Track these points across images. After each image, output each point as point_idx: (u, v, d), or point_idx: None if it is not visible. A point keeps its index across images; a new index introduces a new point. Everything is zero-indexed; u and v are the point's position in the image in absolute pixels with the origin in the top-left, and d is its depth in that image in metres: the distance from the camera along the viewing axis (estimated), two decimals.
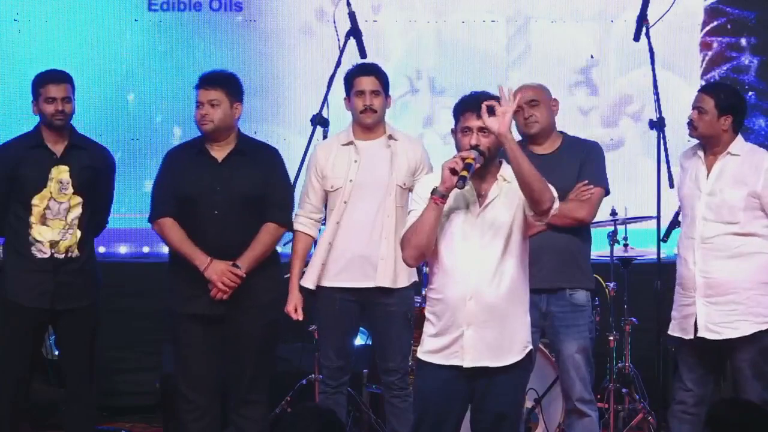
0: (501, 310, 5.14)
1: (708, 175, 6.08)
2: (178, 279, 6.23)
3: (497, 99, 5.13)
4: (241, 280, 6.11)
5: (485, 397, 5.20)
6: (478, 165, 5.06)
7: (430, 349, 5.23)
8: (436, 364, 5.21)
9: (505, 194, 5.17)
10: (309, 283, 6.37)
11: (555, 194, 5.15)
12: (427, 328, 5.26)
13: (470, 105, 5.16)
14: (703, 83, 8.47)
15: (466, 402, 5.24)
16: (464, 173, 5.00)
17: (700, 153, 6.14)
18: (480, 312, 5.13)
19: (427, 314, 5.28)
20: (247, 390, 6.21)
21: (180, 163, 6.25)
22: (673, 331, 6.16)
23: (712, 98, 6.07)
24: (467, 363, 5.17)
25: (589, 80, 8.79)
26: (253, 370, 6.21)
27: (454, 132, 5.24)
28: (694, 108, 6.10)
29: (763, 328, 6.04)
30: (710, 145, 6.11)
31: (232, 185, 6.16)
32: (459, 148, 5.16)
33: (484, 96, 5.18)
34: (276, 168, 6.29)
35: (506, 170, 5.21)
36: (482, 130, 5.10)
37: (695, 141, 6.19)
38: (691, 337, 6.04)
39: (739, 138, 6.15)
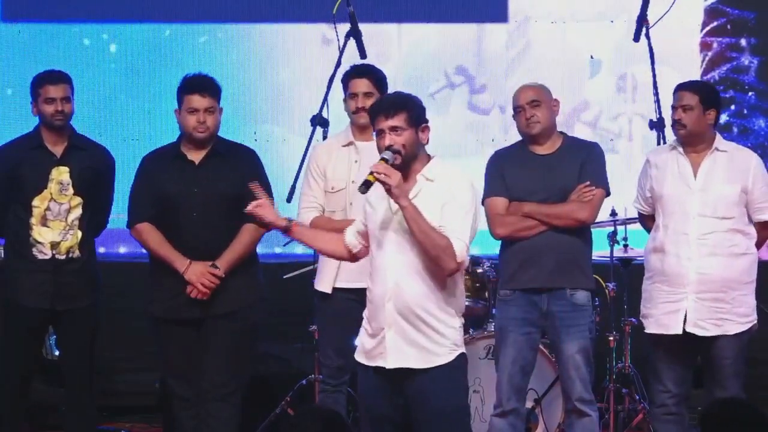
0: (420, 312, 5.14)
1: (696, 172, 6.11)
2: (159, 283, 6.24)
3: (400, 98, 5.22)
4: (220, 280, 6.12)
5: (416, 400, 5.19)
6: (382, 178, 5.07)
7: (360, 349, 5.31)
8: (365, 365, 5.27)
9: (426, 194, 5.15)
10: (326, 287, 6.36)
11: (460, 260, 5.11)
12: (362, 328, 5.33)
13: (378, 108, 5.23)
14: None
15: (402, 403, 5.23)
16: (370, 177, 5.08)
17: (680, 150, 6.17)
18: (398, 313, 5.15)
19: (364, 314, 5.35)
20: (220, 388, 6.20)
21: (157, 168, 6.25)
22: (652, 328, 6.18)
23: (695, 94, 6.12)
24: (389, 364, 5.18)
25: (588, 80, 8.79)
26: (231, 369, 6.21)
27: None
28: (677, 107, 6.13)
29: (746, 327, 6.12)
30: (694, 143, 6.14)
31: (211, 187, 6.16)
32: (379, 150, 5.21)
33: (388, 97, 5.32)
34: (254, 168, 6.28)
35: (432, 168, 5.22)
36: (393, 129, 5.14)
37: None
38: (679, 332, 6.06)
39: (719, 135, 6.22)
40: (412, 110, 5.18)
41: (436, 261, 5.09)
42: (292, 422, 4.40)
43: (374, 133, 5.25)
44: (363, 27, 7.00)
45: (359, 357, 5.32)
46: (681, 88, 6.21)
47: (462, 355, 5.24)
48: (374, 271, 5.26)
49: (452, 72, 8.79)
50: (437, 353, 5.18)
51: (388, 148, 5.14)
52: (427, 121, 5.23)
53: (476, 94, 8.80)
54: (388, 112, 5.16)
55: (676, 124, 6.15)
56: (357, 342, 5.39)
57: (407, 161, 5.17)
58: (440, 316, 5.18)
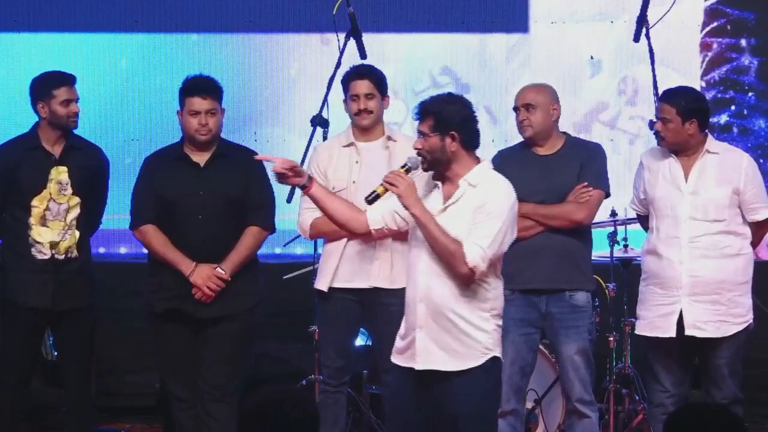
0: (450, 314, 5.13)
1: (687, 175, 6.11)
2: (157, 284, 6.23)
3: (428, 104, 5.19)
4: (226, 283, 6.13)
5: (441, 401, 5.18)
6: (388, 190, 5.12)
7: (395, 348, 5.31)
8: (398, 366, 5.27)
9: (467, 199, 5.14)
10: (323, 285, 6.35)
11: (471, 265, 5.07)
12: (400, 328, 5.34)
13: (416, 109, 5.25)
14: (703, 84, 8.48)
15: (430, 404, 5.22)
16: (379, 189, 5.14)
17: (672, 154, 6.16)
18: (429, 315, 5.15)
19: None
20: (220, 390, 6.19)
21: (160, 169, 6.24)
22: (644, 330, 6.19)
23: (673, 107, 6.06)
24: (418, 365, 5.18)
25: (588, 81, 8.79)
26: (230, 371, 6.21)
27: None
28: (658, 119, 6.12)
29: (742, 327, 6.12)
30: (682, 150, 6.13)
31: (215, 189, 6.15)
32: None
33: (424, 102, 5.23)
34: (257, 170, 6.27)
35: (476, 173, 5.19)
36: (420, 133, 5.17)
37: None
38: (672, 335, 6.06)
39: (710, 137, 6.21)
40: (439, 116, 5.14)
41: (448, 265, 5.09)
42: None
43: None
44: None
45: (393, 357, 5.32)
46: (661, 98, 6.17)
47: (494, 359, 5.20)
48: (408, 272, 5.28)
49: (452, 71, 8.79)
50: (467, 356, 5.15)
51: (419, 152, 5.17)
52: (459, 129, 5.15)
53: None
54: (417, 116, 5.20)
55: (657, 134, 6.16)
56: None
57: (436, 166, 5.17)
58: (471, 318, 5.15)
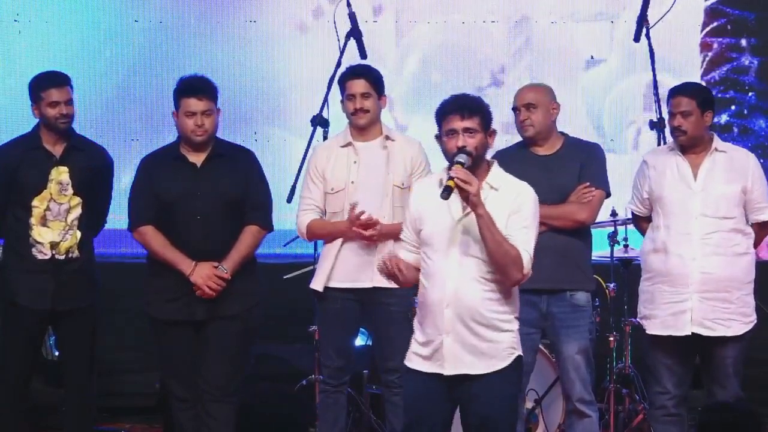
0: (479, 318, 5.09)
1: (695, 173, 6.12)
2: (158, 285, 6.24)
3: (476, 100, 5.15)
4: (226, 282, 6.13)
5: (470, 402, 5.15)
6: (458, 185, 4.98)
7: (415, 355, 5.23)
8: (420, 371, 5.20)
9: (491, 202, 5.08)
10: (318, 285, 6.35)
11: (526, 272, 5.05)
12: (415, 334, 5.26)
13: (452, 107, 5.12)
14: (703, 84, 8.48)
15: (452, 408, 5.20)
16: (451, 183, 4.96)
17: (678, 152, 6.17)
18: (457, 319, 5.09)
19: (415, 320, 5.29)
20: (220, 390, 6.20)
21: (158, 170, 6.25)
22: (657, 329, 6.16)
23: (693, 98, 6.10)
24: (447, 371, 5.13)
25: (588, 81, 8.79)
26: (230, 372, 6.22)
27: (438, 137, 5.18)
28: (675, 113, 6.10)
29: (750, 327, 6.14)
30: (694, 145, 6.14)
31: (213, 189, 6.16)
32: (445, 153, 5.12)
33: (463, 98, 5.16)
34: (254, 170, 6.30)
35: (495, 175, 5.16)
36: (467, 130, 5.07)
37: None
38: (688, 333, 6.07)
39: (715, 135, 6.23)
40: (486, 113, 5.13)
41: (502, 270, 5.04)
42: None
43: (439, 134, 5.14)
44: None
45: (412, 363, 5.24)
46: (677, 93, 6.17)
47: (519, 358, 5.20)
48: (430, 277, 5.16)
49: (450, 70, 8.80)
50: (495, 357, 5.13)
51: (461, 149, 5.06)
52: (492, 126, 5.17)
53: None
54: (464, 113, 5.09)
55: (676, 130, 6.14)
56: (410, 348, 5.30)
57: (474, 165, 5.08)
58: (497, 321, 5.12)
